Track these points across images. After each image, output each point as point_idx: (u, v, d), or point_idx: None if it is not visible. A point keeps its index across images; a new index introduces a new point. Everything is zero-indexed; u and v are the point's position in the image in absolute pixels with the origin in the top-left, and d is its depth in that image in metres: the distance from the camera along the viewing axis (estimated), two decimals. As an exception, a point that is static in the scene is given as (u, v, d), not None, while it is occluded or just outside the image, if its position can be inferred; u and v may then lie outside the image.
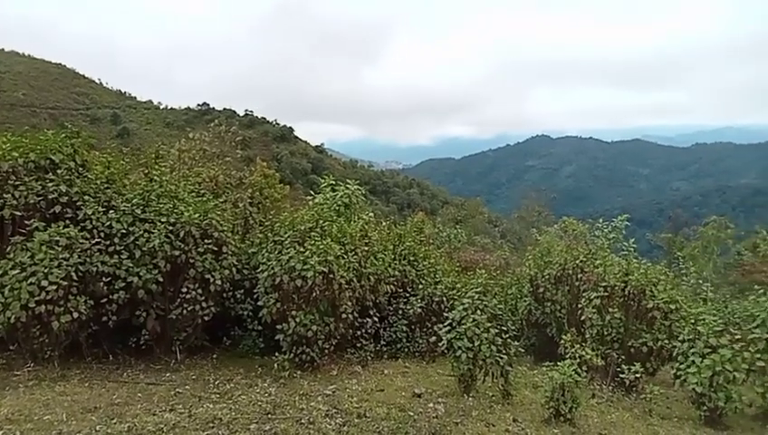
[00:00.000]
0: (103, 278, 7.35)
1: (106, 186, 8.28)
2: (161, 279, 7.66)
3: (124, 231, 7.74)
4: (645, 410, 7.59)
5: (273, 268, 7.88)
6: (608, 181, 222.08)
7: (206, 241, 8.06)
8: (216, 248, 8.17)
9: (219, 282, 8.04)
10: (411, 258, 10.75)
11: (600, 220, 11.99)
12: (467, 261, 17.74)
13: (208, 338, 8.81)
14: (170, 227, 7.79)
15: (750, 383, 7.63)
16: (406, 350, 9.67)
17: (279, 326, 7.80)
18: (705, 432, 6.94)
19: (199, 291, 7.87)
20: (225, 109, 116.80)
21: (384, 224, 12.03)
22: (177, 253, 7.72)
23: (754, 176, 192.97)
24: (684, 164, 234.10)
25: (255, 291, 8.41)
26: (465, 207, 44.36)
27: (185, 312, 7.80)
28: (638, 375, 8.06)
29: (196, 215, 8.05)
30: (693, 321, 7.86)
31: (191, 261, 7.87)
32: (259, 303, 8.19)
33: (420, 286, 10.21)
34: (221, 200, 9.83)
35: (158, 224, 7.76)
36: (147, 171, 9.17)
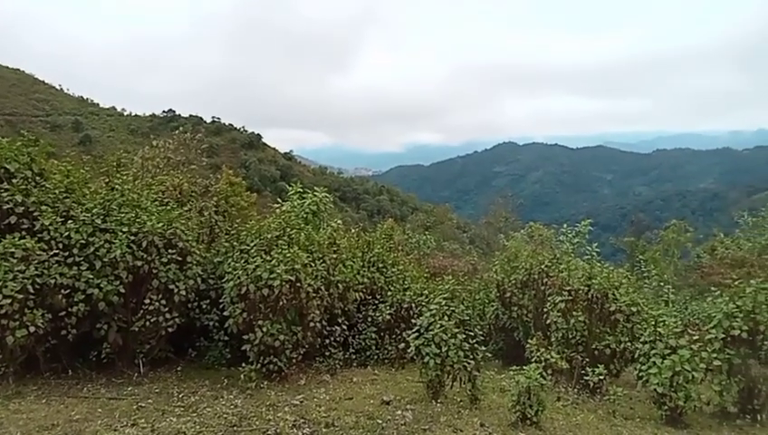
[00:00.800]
0: (62, 291, 7.13)
1: (65, 195, 8.05)
2: (123, 290, 7.48)
3: (84, 242, 7.53)
4: (609, 411, 7.73)
5: (239, 277, 7.78)
6: (573, 187, 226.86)
7: (169, 251, 7.91)
8: (180, 258, 8.03)
9: (184, 292, 7.90)
10: (380, 265, 10.76)
11: (565, 226, 12.25)
12: (436, 267, 17.82)
13: (173, 350, 8.63)
14: (132, 237, 7.63)
15: (708, 382, 7.87)
16: (375, 357, 9.65)
17: (246, 336, 7.70)
18: (666, 432, 7.10)
19: (163, 302, 7.72)
20: (191, 115, 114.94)
21: (353, 231, 12.01)
22: (139, 263, 7.55)
23: (712, 181, 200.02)
24: (645, 169, 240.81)
25: (221, 301, 8.29)
26: (434, 214, 44.64)
27: (148, 323, 7.63)
28: (601, 377, 8.21)
29: (160, 224, 7.89)
30: (654, 323, 8.06)
31: (154, 271, 7.71)
32: (225, 313, 8.08)
33: (389, 293, 10.21)
34: (186, 209, 9.67)
35: (120, 234, 7.58)
36: (108, 180, 8.96)
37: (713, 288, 9.20)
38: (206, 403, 6.67)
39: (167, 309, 7.72)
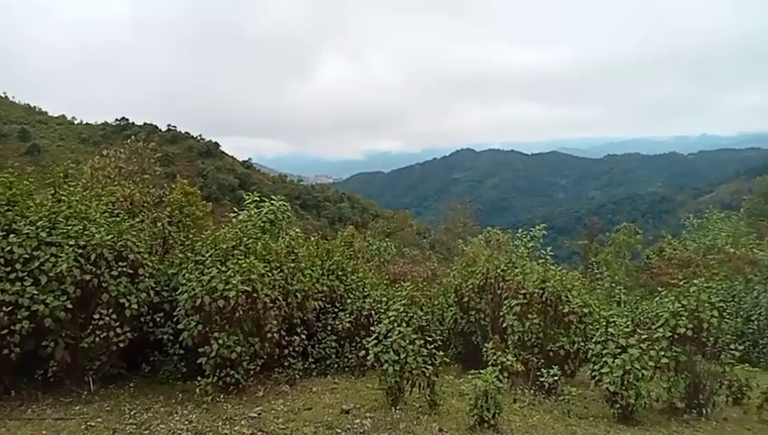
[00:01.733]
0: (3, 308, 6.79)
1: (6, 208, 7.68)
2: (71, 305, 7.18)
3: (27, 256, 7.20)
4: (564, 410, 7.92)
5: (193, 289, 7.63)
6: (529, 192, 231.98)
7: (120, 263, 7.67)
8: (131, 271, 7.80)
9: (135, 306, 7.67)
10: (340, 273, 10.73)
11: (520, 230, 12.52)
12: (396, 273, 17.88)
13: (125, 365, 8.35)
14: (80, 250, 7.36)
15: (657, 380, 8.18)
16: (335, 366, 9.61)
17: (201, 349, 7.54)
18: (618, 429, 7.33)
19: (113, 316, 7.45)
20: (145, 124, 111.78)
21: (312, 239, 11.94)
22: (87, 277, 7.28)
23: (660, 184, 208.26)
24: (597, 174, 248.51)
25: (176, 313, 8.09)
26: (394, 220, 44.84)
27: (98, 339, 7.36)
28: (556, 378, 8.42)
29: (109, 236, 7.65)
30: (605, 323, 8.32)
31: (104, 285, 7.45)
32: (180, 326, 7.89)
33: (349, 301, 10.20)
34: (138, 220, 9.41)
35: (66, 247, 7.30)
36: (54, 191, 8.64)
37: (660, 288, 9.57)
38: (160, 420, 6.49)
39: (118, 323, 7.46)
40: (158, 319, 8.46)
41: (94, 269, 7.38)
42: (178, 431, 6.06)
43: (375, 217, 76.01)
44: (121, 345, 7.57)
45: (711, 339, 8.19)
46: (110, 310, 7.48)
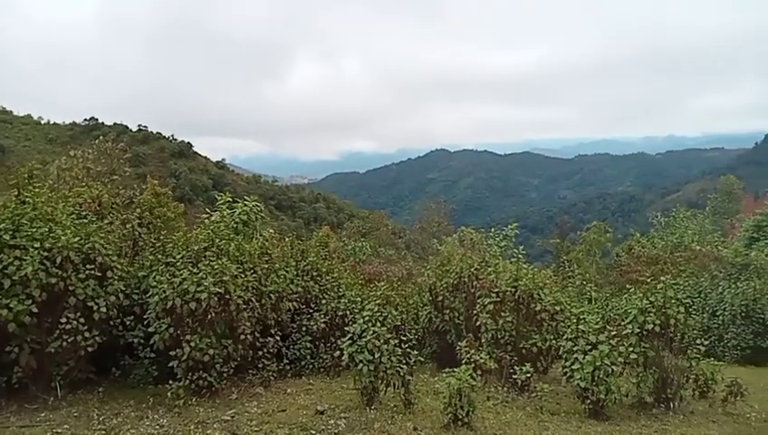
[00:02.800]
0: (-35, 313, 6.59)
1: (-32, 210, 7.47)
2: (36, 310, 6.98)
3: (-10, 259, 6.99)
4: (536, 407, 8.02)
5: (164, 291, 7.51)
6: (502, 192, 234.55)
7: (87, 266, 7.51)
8: (99, 273, 7.64)
9: (104, 309, 7.51)
10: (314, 274, 10.70)
11: (493, 229, 12.65)
12: (371, 273, 17.91)
13: (94, 370, 8.17)
14: (45, 253, 7.17)
15: (626, 375, 8.34)
16: (310, 367, 9.57)
17: (173, 352, 7.42)
18: (589, 425, 7.45)
19: (81, 320, 7.29)
20: (115, 124, 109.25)
21: (286, 240, 11.86)
22: (53, 280, 7.10)
23: (629, 184, 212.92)
24: (569, 174, 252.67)
25: (146, 316, 7.96)
26: (369, 220, 44.86)
27: (65, 344, 7.19)
28: (529, 375, 8.53)
29: (76, 239, 7.48)
30: (576, 320, 8.45)
31: (71, 288, 7.28)
32: (150, 329, 7.75)
33: (324, 301, 10.17)
34: (106, 222, 9.22)
35: (31, 250, 7.10)
36: (18, 193, 8.40)
37: (629, 286, 9.77)
38: (130, 424, 6.36)
39: (86, 328, 7.30)
40: (128, 322, 8.32)
41: (60, 272, 7.21)
42: (149, 436, 5.95)
43: (350, 217, 75.90)
44: (90, 350, 7.42)
45: (678, 335, 8.37)
46: (78, 314, 7.31)
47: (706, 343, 9.56)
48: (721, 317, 14.47)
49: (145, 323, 8.04)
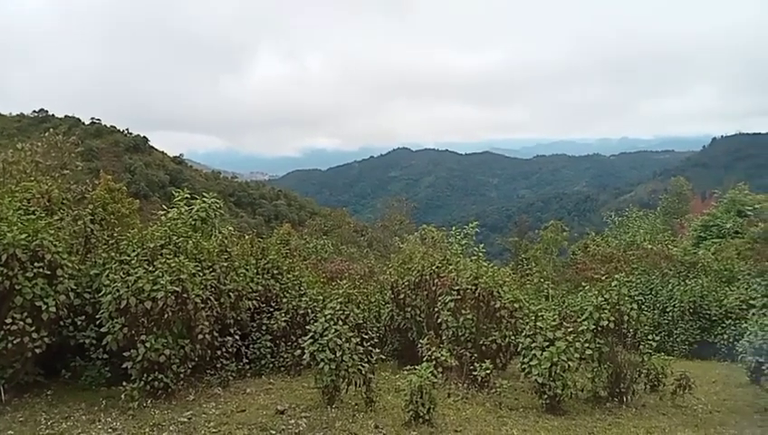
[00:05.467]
0: None
1: None
2: (-21, 310, 6.66)
3: (-72, 258, 6.61)
4: (496, 403, 8.15)
5: (118, 290, 7.27)
6: (463, 190, 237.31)
7: (35, 264, 7.19)
8: (48, 272, 7.32)
9: (53, 309, 7.21)
10: (275, 272, 10.56)
11: (454, 228, 12.77)
12: (333, 271, 17.81)
13: (42, 372, 7.84)
14: (-10, 251, 6.82)
15: (582, 370, 8.57)
16: (271, 366, 9.44)
17: (127, 353, 7.19)
18: (546, 419, 7.62)
19: (29, 320, 6.98)
20: (67, 116, 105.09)
21: (246, 237, 11.66)
22: (-1, 279, 6.77)
23: (585, 184, 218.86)
24: (527, 174, 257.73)
25: (99, 316, 7.68)
26: (331, 218, 44.65)
27: (10, 345, 6.86)
28: (488, 371, 8.64)
29: (23, 235, 7.15)
30: (534, 317, 8.62)
31: (17, 287, 6.96)
32: (103, 329, 7.49)
33: (285, 300, 10.04)
34: (56, 218, 8.85)
35: (-26, 247, 6.75)
36: (-40, 187, 7.98)
37: (584, 283, 10.03)
38: (81, 428, 6.13)
39: (33, 328, 6.99)
40: (79, 322, 8.01)
41: (6, 271, 6.89)
42: (101, 440, 5.75)
43: (312, 214, 75.35)
44: (38, 351, 7.11)
45: (631, 331, 8.65)
46: (25, 314, 6.99)
47: (657, 338, 9.93)
48: (671, 313, 15.02)
49: (97, 323, 7.77)
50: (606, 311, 8.38)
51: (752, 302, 12.36)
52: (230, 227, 11.09)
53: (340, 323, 7.84)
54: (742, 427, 7.40)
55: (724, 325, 14.05)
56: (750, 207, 22.31)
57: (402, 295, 11.02)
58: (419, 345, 9.25)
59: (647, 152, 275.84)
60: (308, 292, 10.42)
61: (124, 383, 7.08)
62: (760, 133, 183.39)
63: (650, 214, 33.05)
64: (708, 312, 14.53)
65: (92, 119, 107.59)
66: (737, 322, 13.28)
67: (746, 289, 14.18)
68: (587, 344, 8.20)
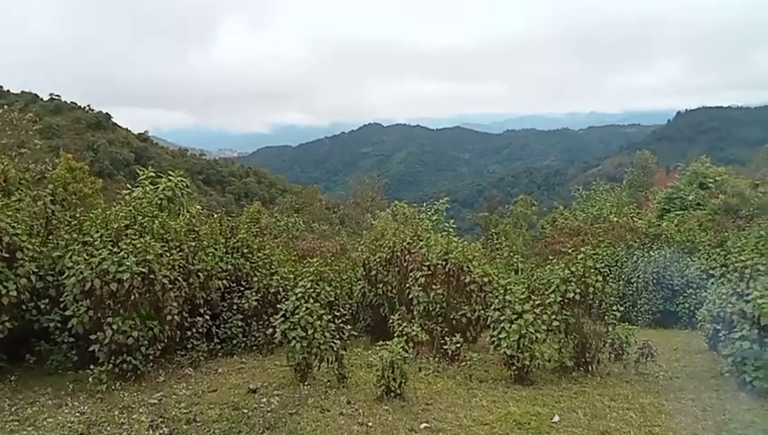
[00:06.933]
0: None
1: None
2: (-66, 296, 6.43)
3: None
4: (466, 375, 8.30)
5: (81, 272, 7.11)
6: (434, 166, 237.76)
7: (-7, 247, 6.95)
8: (7, 255, 7.11)
9: (14, 293, 7.02)
10: (245, 251, 10.45)
11: (425, 204, 12.83)
12: (305, 249, 17.76)
13: (6, 358, 7.65)
14: (-57, 234, 6.57)
15: (549, 342, 8.78)
16: (242, 345, 9.41)
17: (94, 336, 7.06)
18: (514, 389, 7.80)
19: (-12, 305, 6.78)
20: (23, 92, 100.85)
21: (216, 216, 11.49)
22: (-46, 263, 6.54)
23: (553, 158, 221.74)
24: (498, 149, 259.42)
25: (63, 299, 7.50)
26: (303, 195, 44.36)
27: (-30, 331, 6.67)
28: (458, 345, 8.80)
29: (-21, 218, 6.89)
30: (503, 291, 8.76)
31: (-25, 272, 6.73)
32: (68, 312, 7.33)
33: (255, 279, 9.97)
34: (14, 199, 8.55)
35: (-74, 231, 6.49)
36: None
37: (551, 257, 10.21)
38: (47, 413, 6.02)
39: (-7, 313, 6.80)
40: (42, 306, 7.81)
41: (-39, 254, 6.64)
42: (69, 424, 5.66)
43: (283, 192, 74.73)
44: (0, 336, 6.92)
45: (596, 302, 8.88)
46: (-16, 299, 6.78)
47: (622, 308, 10.22)
48: (635, 284, 15.46)
49: (62, 306, 7.59)
50: (572, 283, 8.56)
51: (711, 271, 12.84)
52: (198, 206, 10.91)
53: (312, 300, 7.84)
54: (699, 391, 7.71)
55: (685, 295, 14.55)
56: (711, 180, 22.99)
57: (374, 272, 11.06)
58: (391, 321, 9.33)
59: (614, 126, 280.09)
60: (279, 270, 10.37)
61: (91, 367, 6.98)
62: (722, 107, 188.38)
63: (617, 187, 33.75)
64: (671, 282, 15.01)
65: (51, 95, 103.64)
66: (698, 291, 13.74)
67: (707, 259, 14.70)
68: (554, 316, 8.39)
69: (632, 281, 15.59)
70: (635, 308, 15.32)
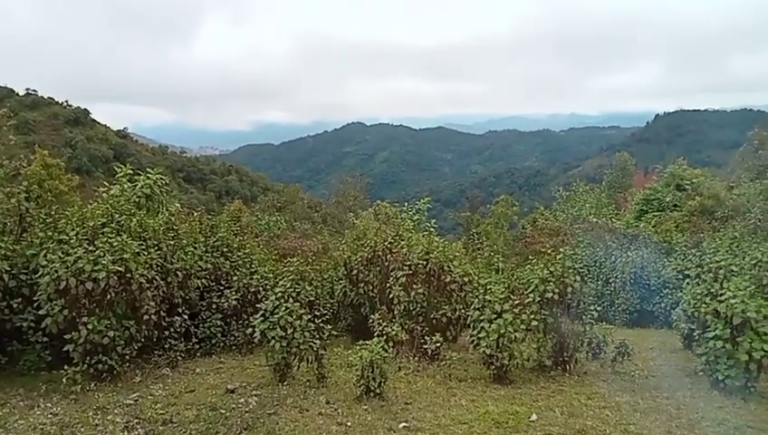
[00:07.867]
0: None
1: None
2: None
3: None
4: (446, 375, 8.33)
5: (56, 271, 6.99)
6: (417, 166, 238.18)
7: (-36, 245, 6.79)
8: (-21, 253, 6.94)
9: (-14, 292, 6.85)
10: (225, 250, 10.38)
11: (407, 203, 12.84)
12: (286, 248, 17.64)
13: (-24, 358, 7.48)
14: None
15: (528, 341, 8.85)
16: (221, 345, 9.34)
17: (68, 336, 6.94)
18: (493, 389, 7.85)
19: (-41, 305, 6.62)
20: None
21: (195, 214, 11.37)
22: None
23: (535, 159, 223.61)
24: (480, 149, 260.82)
25: (37, 298, 7.36)
26: (284, 194, 44.12)
27: (-61, 331, 6.51)
28: (438, 344, 8.82)
29: (-51, 214, 6.72)
30: (483, 290, 8.81)
31: (-56, 270, 6.56)
32: (42, 311, 7.19)
33: (235, 278, 9.90)
34: (-14, 196, 8.36)
35: None
36: None
37: (531, 257, 10.30)
38: (19, 415, 5.90)
39: (-36, 313, 6.64)
40: (15, 305, 7.66)
41: (-69, 252, 6.47)
42: (41, 426, 5.55)
43: (265, 190, 74.21)
44: (-30, 336, 6.77)
45: (575, 301, 8.98)
46: (-46, 298, 6.62)
47: (600, 308, 10.33)
48: (613, 284, 15.67)
49: (35, 305, 7.45)
50: (551, 283, 8.64)
51: (687, 272, 13.07)
52: (178, 204, 10.79)
53: (292, 300, 7.80)
54: (674, 390, 7.85)
55: (661, 295, 14.77)
56: (688, 182, 23.36)
57: (355, 271, 11.05)
58: (372, 320, 9.32)
59: (594, 128, 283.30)
60: (259, 269, 10.30)
61: (66, 367, 6.85)
62: (699, 110, 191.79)
63: (596, 188, 34.13)
64: (648, 282, 15.24)
65: (27, 89, 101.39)
66: (674, 291, 13.95)
67: (683, 260, 14.94)
68: (533, 316, 8.46)
69: (610, 281, 15.80)
70: (612, 308, 15.52)
